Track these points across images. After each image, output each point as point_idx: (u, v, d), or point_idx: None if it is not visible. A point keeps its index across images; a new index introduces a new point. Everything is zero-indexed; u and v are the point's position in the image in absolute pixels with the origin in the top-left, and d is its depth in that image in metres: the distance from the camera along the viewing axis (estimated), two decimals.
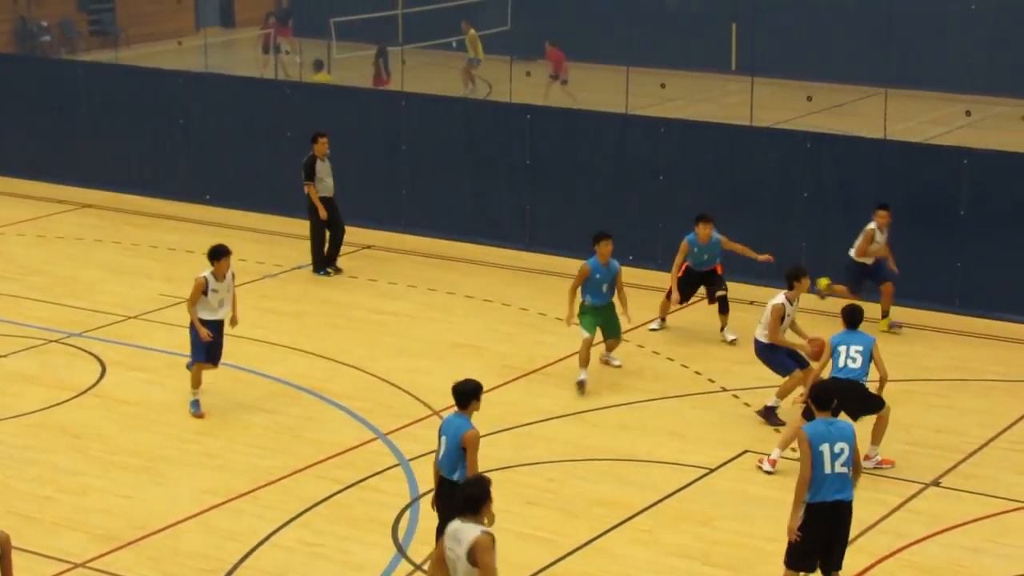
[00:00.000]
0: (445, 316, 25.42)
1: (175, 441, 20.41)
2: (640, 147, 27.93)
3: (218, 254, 20.83)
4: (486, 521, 12.97)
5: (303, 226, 27.88)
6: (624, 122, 29.54)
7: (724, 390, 22.07)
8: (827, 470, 14.80)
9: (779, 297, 20.51)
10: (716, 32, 41.85)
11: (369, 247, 28.54)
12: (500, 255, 28.43)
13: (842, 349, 18.80)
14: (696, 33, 43.25)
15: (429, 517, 17.79)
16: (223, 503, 18.47)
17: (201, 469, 19.52)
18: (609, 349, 23.07)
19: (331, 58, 40.86)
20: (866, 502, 17.87)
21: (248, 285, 26.31)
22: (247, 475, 19.15)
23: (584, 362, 22.02)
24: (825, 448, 14.78)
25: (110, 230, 30.34)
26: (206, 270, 20.78)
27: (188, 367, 21.32)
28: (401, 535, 17.65)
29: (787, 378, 20.36)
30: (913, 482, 18.95)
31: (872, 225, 24.04)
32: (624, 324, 22.69)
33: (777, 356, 20.62)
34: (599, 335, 22.36)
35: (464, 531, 12.67)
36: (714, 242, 24.11)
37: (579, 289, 22.27)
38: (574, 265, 26.87)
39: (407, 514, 18.16)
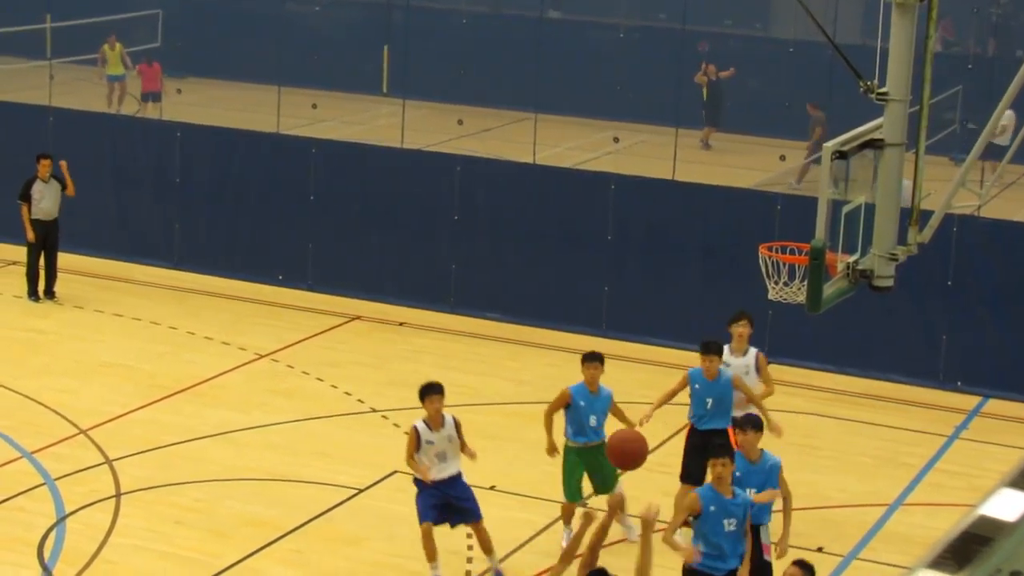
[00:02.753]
0: (94, 335, 25.26)
1: None
2: (291, 167, 28.12)
3: (426, 392, 16.83)
4: None
5: None
6: (275, 141, 29.70)
7: (373, 411, 22.29)
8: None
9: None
10: (368, 54, 42.17)
11: (14, 263, 28.07)
12: (148, 273, 28.28)
13: None
14: (348, 55, 43.50)
15: (75, 535, 17.79)
16: None
17: None
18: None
19: None
20: (517, 523, 18.45)
21: None
22: None
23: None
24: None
25: None
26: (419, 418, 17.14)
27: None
28: (47, 555, 17.41)
29: None
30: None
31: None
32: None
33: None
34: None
35: None
36: (723, 382, 17.89)
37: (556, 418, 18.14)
38: (221, 284, 27.06)
39: (53, 533, 17.91)
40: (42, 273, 26.79)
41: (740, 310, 18.76)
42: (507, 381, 23.59)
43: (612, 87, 40.58)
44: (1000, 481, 6.00)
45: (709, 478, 14.75)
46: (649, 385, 23.57)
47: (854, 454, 21.32)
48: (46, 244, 26.61)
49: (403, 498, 19.16)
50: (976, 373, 23.73)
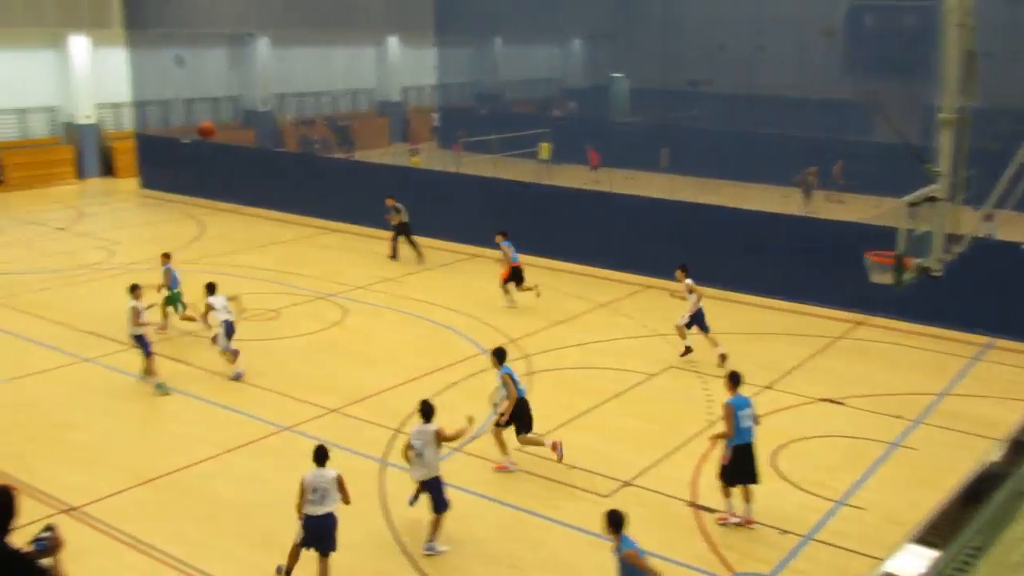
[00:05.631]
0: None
1: (381, 348, 20.38)
2: (615, 213, 27.45)
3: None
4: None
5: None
6: (608, 197, 29.32)
7: (658, 335, 21.78)
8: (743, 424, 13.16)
9: None
10: (652, 148, 41.71)
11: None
12: (561, 265, 27.57)
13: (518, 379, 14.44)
14: (642, 147, 43.09)
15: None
16: (408, 381, 18.47)
17: (395, 364, 19.41)
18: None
19: (459, 162, 41.03)
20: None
21: (422, 272, 26.41)
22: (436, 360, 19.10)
23: None
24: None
25: (344, 242, 30.11)
26: None
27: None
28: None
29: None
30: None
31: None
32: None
33: None
34: None
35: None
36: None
37: None
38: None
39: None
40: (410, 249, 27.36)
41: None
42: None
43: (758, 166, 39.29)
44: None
45: None
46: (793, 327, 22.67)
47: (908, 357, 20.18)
48: (406, 232, 27.30)
49: (685, 377, 18.75)
50: (980, 320, 22.20)
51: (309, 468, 11.70)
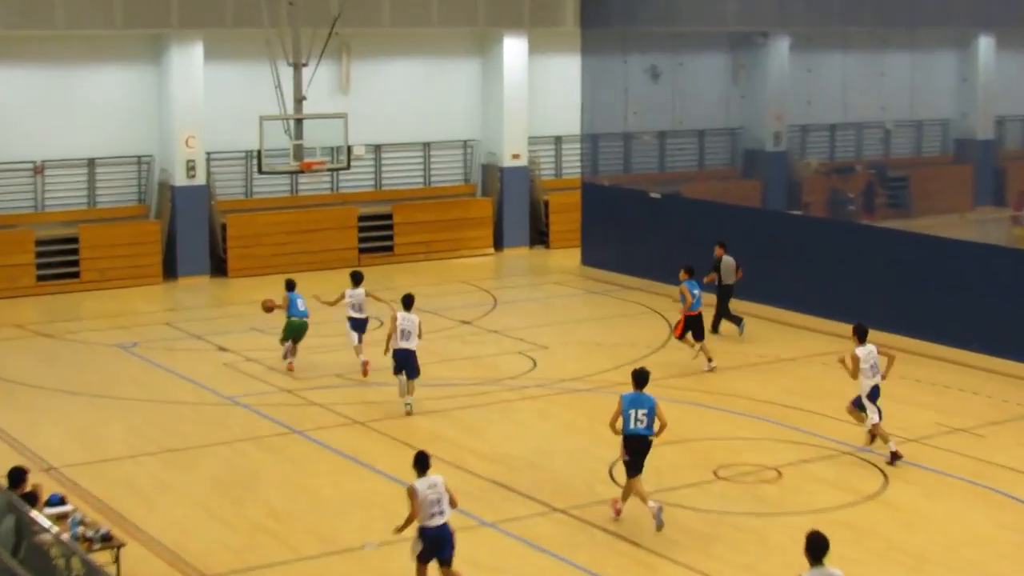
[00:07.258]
0: None
1: (941, 544, 19.32)
2: None
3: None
4: None
5: None
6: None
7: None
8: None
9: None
10: None
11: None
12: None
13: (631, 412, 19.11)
14: None
15: None
16: None
17: (963, 571, 18.26)
18: None
19: None
20: None
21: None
22: None
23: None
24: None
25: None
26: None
27: None
28: None
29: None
30: None
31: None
32: None
33: None
34: None
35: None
36: None
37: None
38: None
39: None
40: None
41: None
42: None
43: None
44: None
45: None
46: None
47: None
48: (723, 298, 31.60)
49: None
50: None
51: None
